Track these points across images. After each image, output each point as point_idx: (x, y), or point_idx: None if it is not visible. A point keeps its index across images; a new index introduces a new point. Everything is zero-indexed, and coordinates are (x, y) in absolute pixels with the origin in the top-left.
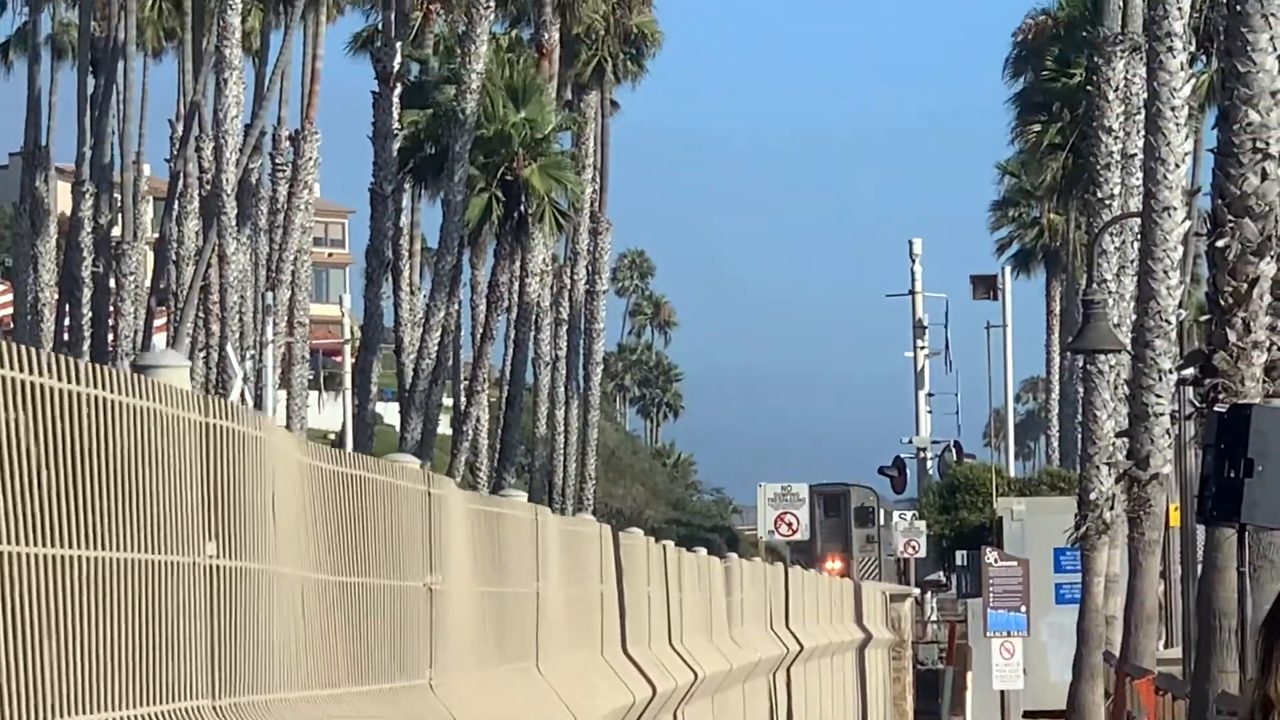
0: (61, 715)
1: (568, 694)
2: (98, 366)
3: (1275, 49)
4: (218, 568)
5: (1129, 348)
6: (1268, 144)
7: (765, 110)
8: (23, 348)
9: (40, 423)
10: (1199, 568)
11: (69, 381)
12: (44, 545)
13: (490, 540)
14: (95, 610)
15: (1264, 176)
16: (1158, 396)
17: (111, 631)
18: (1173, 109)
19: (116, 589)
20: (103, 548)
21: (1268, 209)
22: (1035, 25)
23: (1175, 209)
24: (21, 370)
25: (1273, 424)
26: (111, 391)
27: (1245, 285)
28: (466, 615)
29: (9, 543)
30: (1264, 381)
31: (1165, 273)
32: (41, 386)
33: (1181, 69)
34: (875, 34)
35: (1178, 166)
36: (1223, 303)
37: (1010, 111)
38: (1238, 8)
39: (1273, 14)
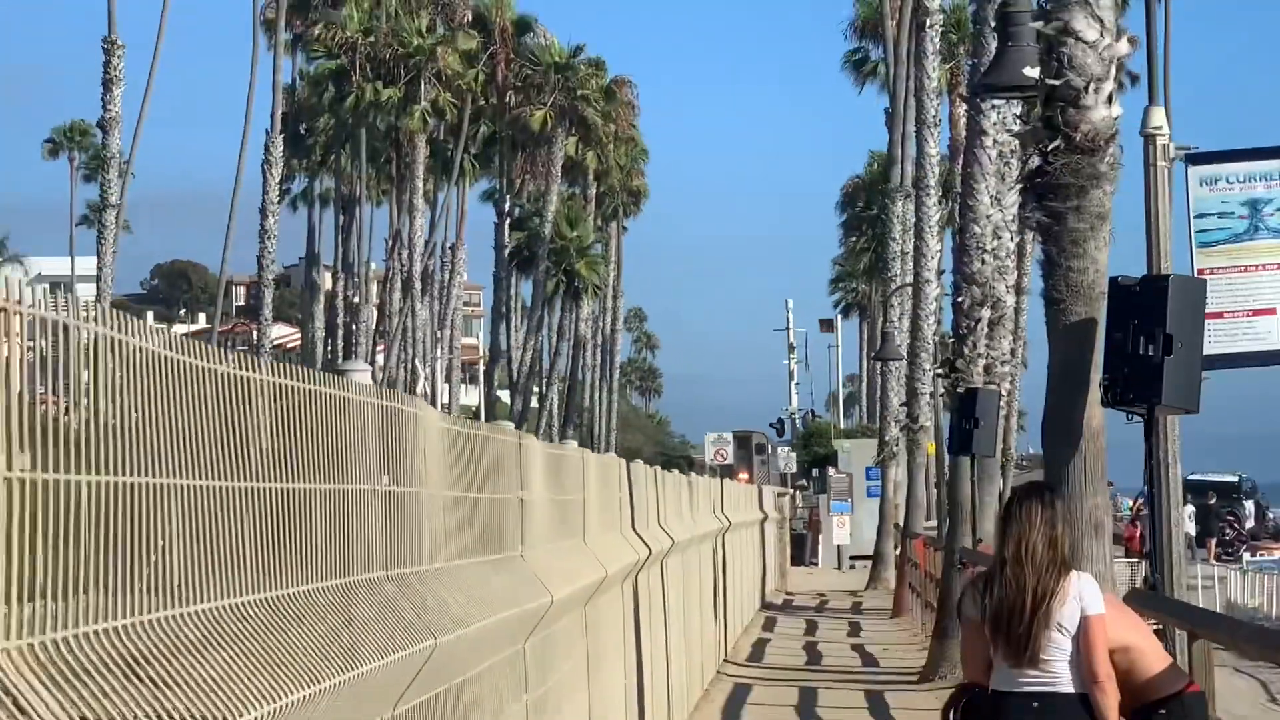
0: (314, 580)
1: (602, 555)
2: (325, 374)
3: (987, 192)
4: (390, 493)
5: (905, 356)
6: (984, 245)
7: (706, 220)
8: (294, 365)
9: (300, 408)
10: (946, 478)
11: (311, 383)
12: (305, 481)
13: (556, 469)
14: (324, 517)
15: (983, 262)
16: (922, 384)
17: (331, 531)
18: (929, 228)
19: (335, 506)
20: (329, 481)
21: (985, 280)
22: (852, 183)
23: (931, 281)
24: (290, 379)
25: (988, 399)
26: (333, 388)
27: (973, 323)
28: (541, 514)
29: (295, 481)
30: (983, 376)
31: (926, 316)
32: (296, 388)
33: (935, 205)
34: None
35: (934, 257)
36: (960, 332)
37: (838, 230)
38: (969, 170)
39: (986, 174)
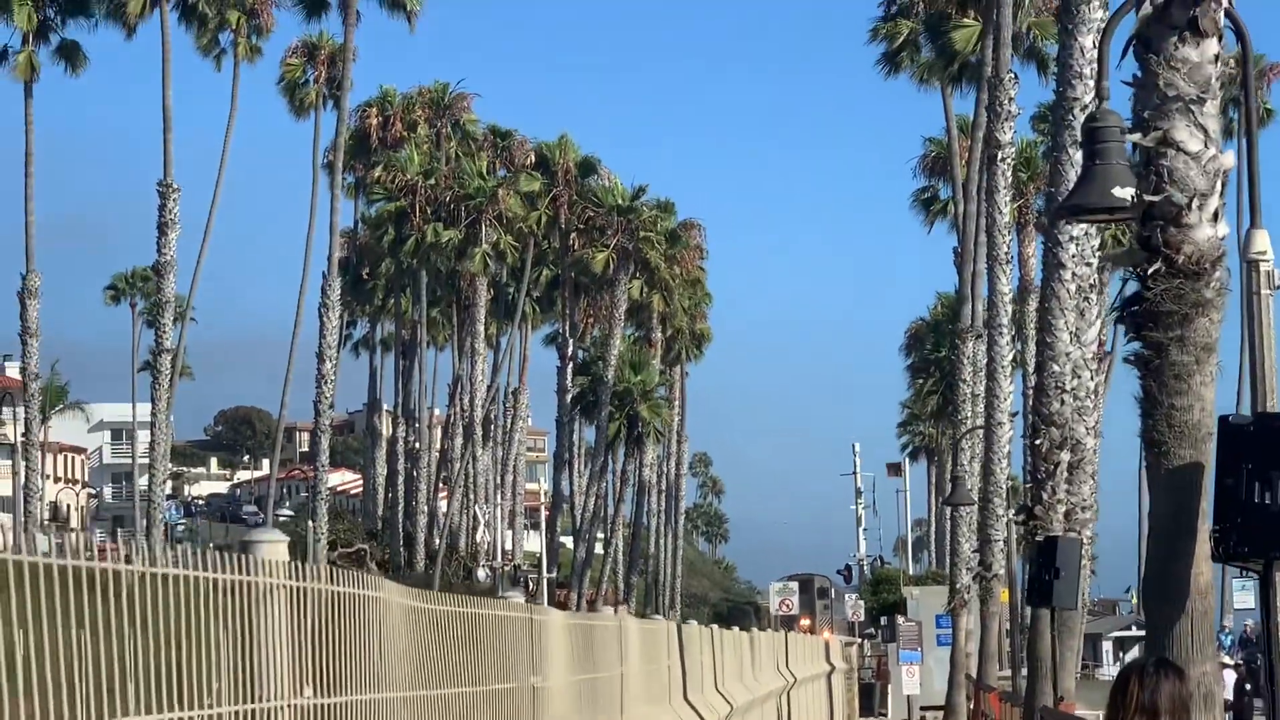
0: None
1: None
2: (491, 599)
3: (1066, 328)
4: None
5: (977, 501)
6: (1063, 384)
7: (770, 362)
8: (469, 597)
9: (478, 627)
10: (1023, 629)
11: (488, 609)
12: (483, 685)
13: (585, 642)
14: (496, 711)
15: (1062, 402)
16: (995, 530)
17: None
18: (1001, 368)
19: (503, 701)
20: (499, 682)
21: (1064, 421)
22: (917, 325)
23: (1003, 424)
24: (471, 608)
25: (1070, 548)
26: (508, 611)
27: (1052, 466)
28: (560, 699)
29: (476, 685)
30: (1063, 523)
31: (998, 460)
32: (479, 615)
33: (1007, 345)
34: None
35: (1006, 399)
36: (1038, 476)
37: (904, 374)
38: (1046, 303)
39: (1065, 308)
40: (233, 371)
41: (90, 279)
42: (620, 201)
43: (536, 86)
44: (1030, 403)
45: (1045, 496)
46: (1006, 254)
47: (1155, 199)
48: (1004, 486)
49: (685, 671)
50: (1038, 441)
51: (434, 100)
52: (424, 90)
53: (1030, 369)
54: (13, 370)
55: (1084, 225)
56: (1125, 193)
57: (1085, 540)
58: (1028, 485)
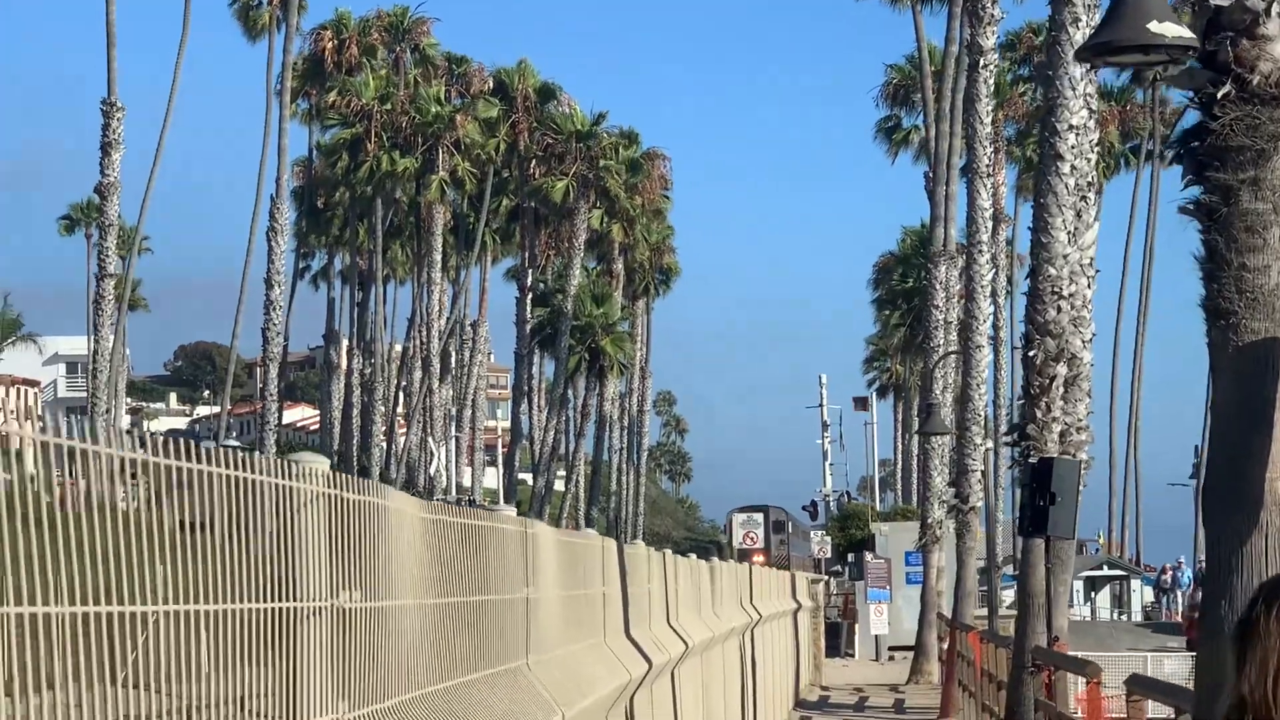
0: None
1: (624, 658)
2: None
3: (1064, 227)
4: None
5: (954, 430)
6: (1060, 289)
7: (738, 299)
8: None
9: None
10: (1000, 565)
11: (478, 520)
12: (484, 594)
13: (571, 559)
14: (495, 619)
15: (1059, 310)
16: (973, 460)
17: (499, 628)
18: (981, 288)
19: (498, 610)
20: (496, 592)
21: (1060, 331)
22: (885, 259)
23: (983, 347)
24: (473, 520)
25: (1068, 470)
26: (489, 521)
27: (1046, 381)
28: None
29: (479, 594)
30: (1058, 444)
31: (977, 385)
32: (476, 526)
33: (987, 264)
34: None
35: (984, 321)
36: (1032, 393)
37: (872, 308)
38: (1041, 200)
39: (1063, 205)
40: (194, 307)
41: (48, 211)
42: (580, 128)
43: (496, 12)
44: (1024, 312)
45: (1039, 414)
46: (987, 167)
47: (1223, 2)
48: (982, 414)
49: (627, 604)
50: (1031, 353)
51: (393, 24)
52: (382, 14)
53: (1001, 297)
54: None
55: (1082, 116)
56: (1164, 28)
57: (1082, 464)
58: (1019, 400)
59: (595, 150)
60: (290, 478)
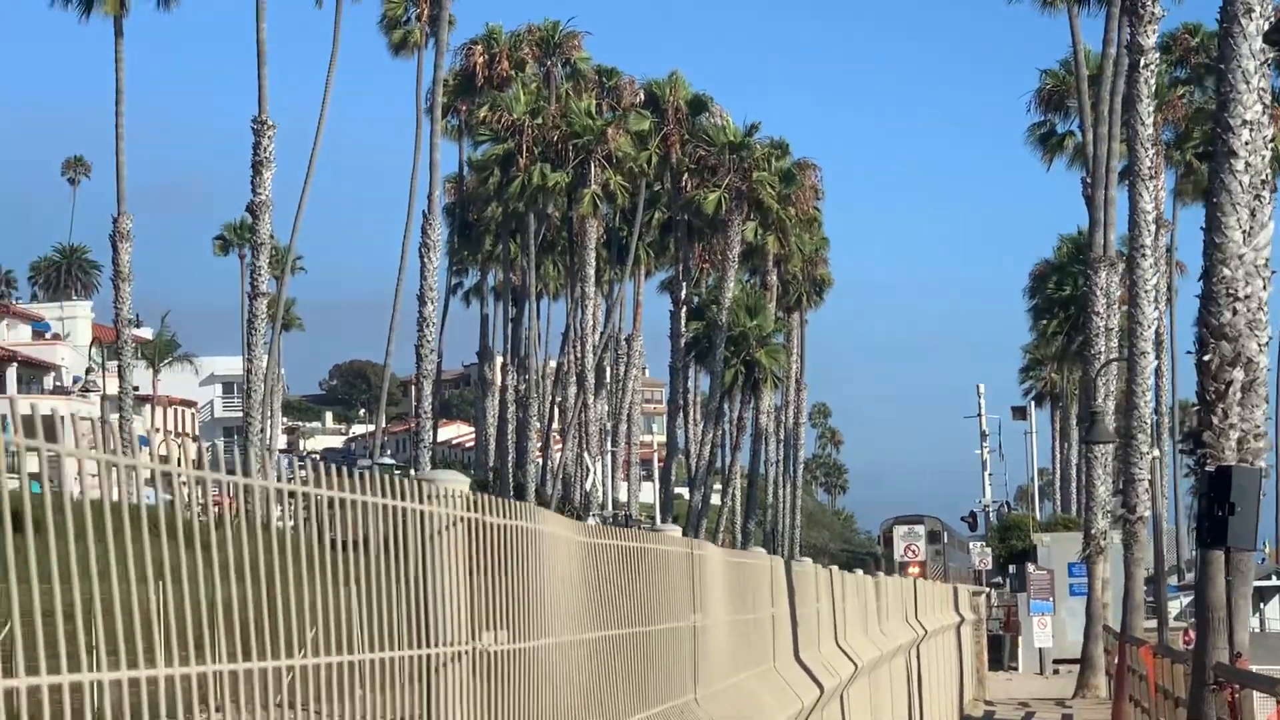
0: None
1: (795, 684)
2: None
3: (1239, 226)
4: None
5: (1119, 438)
6: (1235, 291)
7: (891, 310)
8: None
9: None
10: (1177, 572)
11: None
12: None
13: (740, 580)
14: (663, 651)
15: (1234, 312)
16: (1139, 469)
17: (668, 659)
18: (1145, 292)
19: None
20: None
21: (1237, 334)
22: (1040, 266)
23: (1147, 354)
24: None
25: (1247, 479)
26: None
27: (1223, 386)
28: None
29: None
30: (1236, 451)
31: (1142, 392)
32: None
33: (1151, 269)
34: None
35: (1149, 328)
36: (1208, 399)
37: (1027, 317)
38: (1215, 199)
39: (1238, 203)
40: (349, 327)
41: (204, 231)
42: (732, 139)
43: (647, 25)
44: (1196, 315)
45: (1215, 421)
46: (1149, 169)
47: None
48: (1148, 421)
49: (796, 623)
50: (1206, 358)
51: (543, 39)
52: (533, 28)
53: (1163, 301)
54: (144, 331)
55: (1256, 111)
56: None
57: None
58: (1195, 408)
59: (748, 161)
60: (422, 499)
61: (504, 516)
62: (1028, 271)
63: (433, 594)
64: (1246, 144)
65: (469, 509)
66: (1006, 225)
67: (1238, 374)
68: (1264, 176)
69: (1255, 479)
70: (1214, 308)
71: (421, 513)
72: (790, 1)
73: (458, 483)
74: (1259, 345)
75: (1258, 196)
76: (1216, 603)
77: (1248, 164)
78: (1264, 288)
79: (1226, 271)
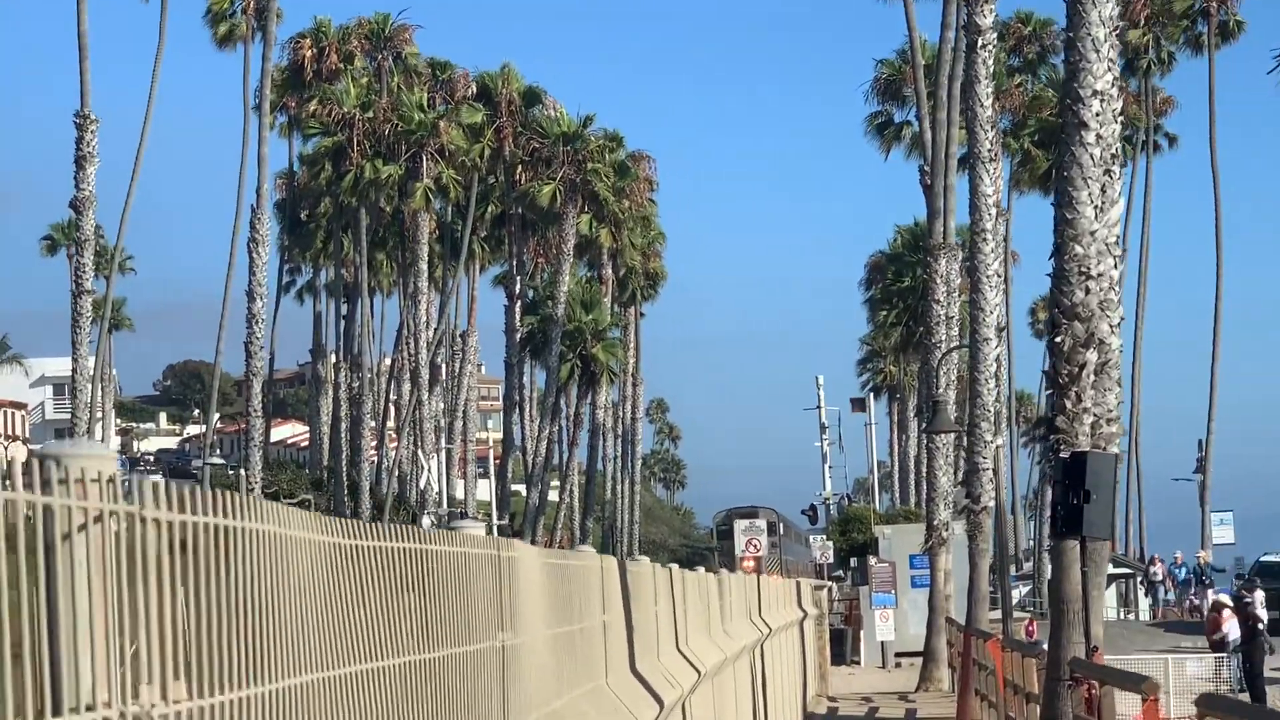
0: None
1: (631, 701)
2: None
3: (1091, 201)
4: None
5: (964, 426)
6: (1088, 269)
7: (728, 304)
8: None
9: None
10: (1020, 561)
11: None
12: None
13: (563, 586)
14: (467, 679)
15: (1087, 291)
16: (983, 458)
17: (469, 690)
18: (987, 277)
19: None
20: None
21: (1090, 314)
22: (876, 258)
23: (990, 340)
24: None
25: (1103, 465)
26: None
27: (1076, 369)
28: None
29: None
30: (1091, 436)
31: (985, 380)
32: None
33: (993, 251)
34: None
35: (991, 313)
36: (1060, 381)
37: (864, 309)
38: (1065, 173)
39: (1089, 177)
40: (184, 328)
41: (32, 232)
42: (566, 131)
43: (478, 18)
44: (1049, 296)
45: (1069, 405)
46: (989, 152)
47: None
48: (991, 409)
49: (632, 630)
50: (1058, 339)
51: (373, 32)
52: (362, 21)
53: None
54: None
55: (1107, 81)
56: None
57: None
58: (1047, 392)
59: (582, 154)
60: (40, 488)
61: (188, 512)
62: (864, 263)
63: (57, 629)
64: (1097, 115)
65: (117, 499)
66: (844, 218)
67: (1091, 355)
68: (1114, 150)
69: (1111, 464)
70: (1066, 287)
71: (42, 506)
72: None
73: (100, 459)
74: (1110, 326)
75: (1107, 172)
76: (1071, 595)
77: (1099, 136)
78: (1115, 266)
79: (1079, 249)
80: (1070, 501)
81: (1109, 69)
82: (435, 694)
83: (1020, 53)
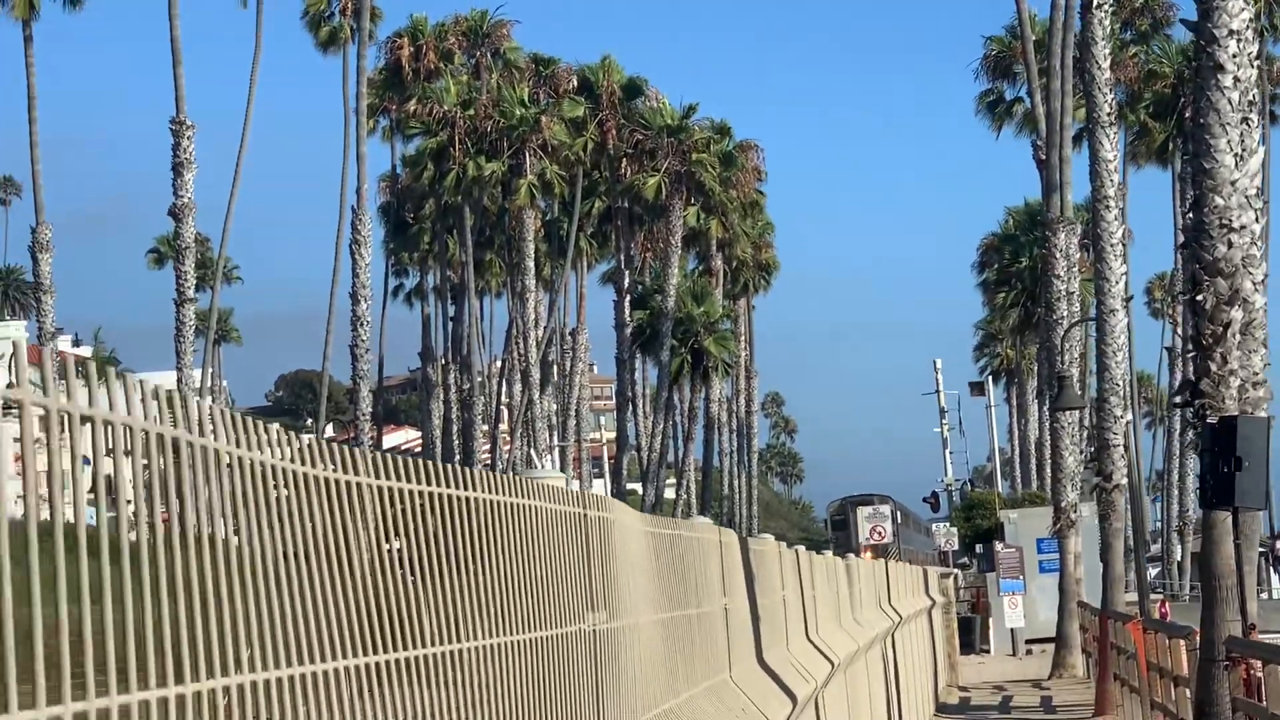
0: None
1: (760, 699)
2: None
3: (1230, 149)
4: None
5: (1092, 402)
6: (1230, 221)
7: (842, 293)
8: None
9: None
10: (1155, 541)
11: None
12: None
13: (673, 562)
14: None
15: (1229, 245)
16: (1114, 433)
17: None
18: (1111, 246)
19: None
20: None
21: (1233, 269)
22: (989, 240)
23: (1116, 311)
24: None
25: (1254, 430)
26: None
27: (1220, 328)
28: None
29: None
30: (1239, 400)
31: (1114, 353)
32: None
33: (1116, 219)
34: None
35: (1117, 283)
36: (1204, 343)
37: (979, 292)
38: (1201, 120)
39: (1227, 123)
40: (296, 339)
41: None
42: (669, 122)
43: (578, 12)
44: (1183, 254)
45: (1213, 367)
46: (1109, 115)
47: None
48: (1121, 384)
49: (758, 617)
50: (1200, 298)
51: (471, 29)
52: (460, 18)
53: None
54: (83, 350)
55: (1244, 20)
56: None
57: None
58: (1190, 353)
59: (687, 144)
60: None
61: None
62: (976, 246)
63: None
64: (1234, 57)
65: None
66: (956, 200)
67: (1236, 314)
68: (1251, 96)
69: (1263, 429)
70: (1206, 241)
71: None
72: None
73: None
74: (1254, 284)
75: (1245, 120)
76: (1224, 570)
77: (1236, 79)
78: (1257, 220)
79: (1219, 200)
80: (1220, 470)
81: (1244, 6)
82: (497, 688)
83: (1133, 26)
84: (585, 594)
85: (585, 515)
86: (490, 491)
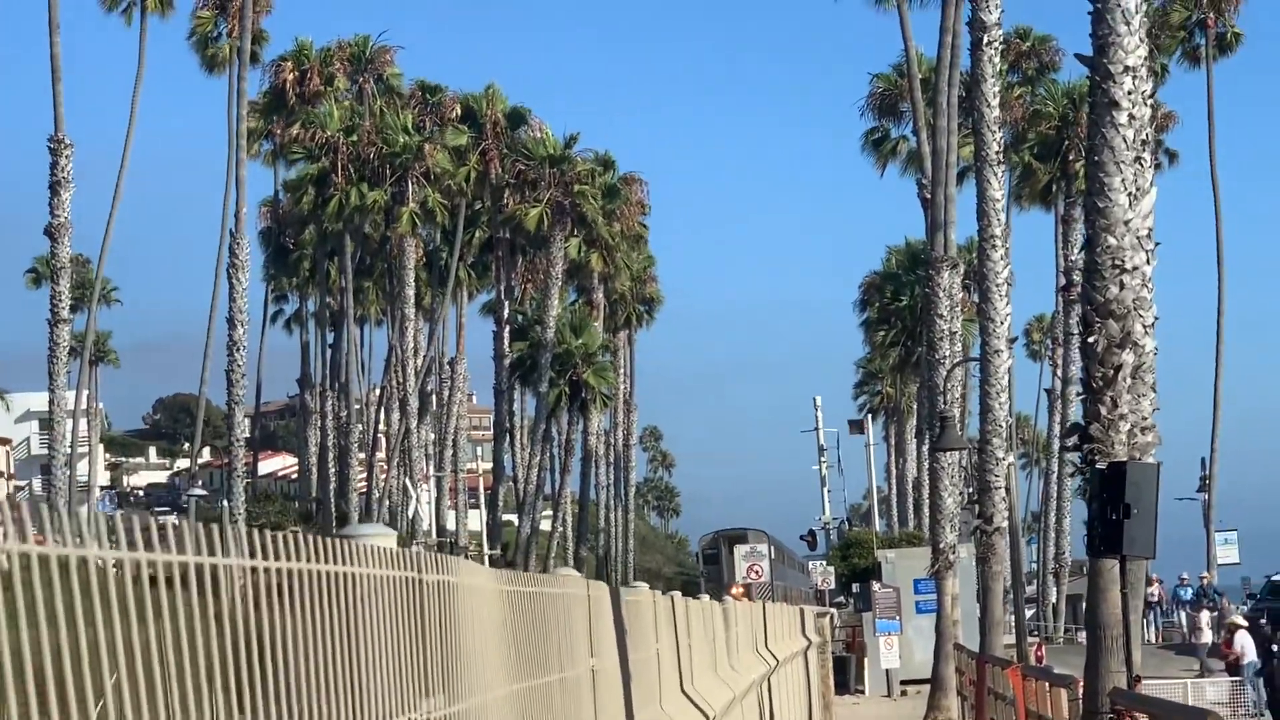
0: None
1: None
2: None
3: (1124, 188)
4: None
5: (976, 443)
6: (1122, 262)
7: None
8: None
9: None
10: (1031, 582)
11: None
12: None
13: (533, 624)
14: None
15: (1121, 286)
16: (996, 476)
17: None
18: (996, 286)
19: None
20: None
21: (1125, 311)
22: (871, 278)
23: (1001, 352)
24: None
25: (1143, 476)
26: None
27: (1111, 371)
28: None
29: None
30: (1129, 445)
31: (997, 394)
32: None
33: (1002, 259)
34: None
35: (1002, 324)
36: (1094, 386)
37: (860, 330)
38: (1095, 157)
39: (1121, 161)
40: (178, 364)
41: (16, 266)
42: (552, 152)
43: (462, 40)
44: (1063, 296)
45: (1103, 411)
46: (997, 153)
47: None
48: (1004, 425)
49: (629, 676)
50: (1091, 339)
51: (355, 54)
52: (343, 44)
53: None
54: None
55: (1139, 56)
56: None
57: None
58: (1080, 396)
59: (570, 176)
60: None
61: None
62: (858, 284)
63: None
64: (1129, 94)
65: None
66: (838, 237)
67: (1127, 357)
68: (1145, 135)
69: (1152, 475)
70: (1099, 282)
71: None
72: (611, 8)
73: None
74: (1144, 326)
75: (1139, 158)
76: (1110, 619)
77: (1131, 116)
78: (1148, 261)
79: (1112, 240)
80: (1109, 517)
81: (1140, 43)
82: None
83: (1019, 68)
84: (418, 675)
85: (421, 580)
86: (290, 559)
